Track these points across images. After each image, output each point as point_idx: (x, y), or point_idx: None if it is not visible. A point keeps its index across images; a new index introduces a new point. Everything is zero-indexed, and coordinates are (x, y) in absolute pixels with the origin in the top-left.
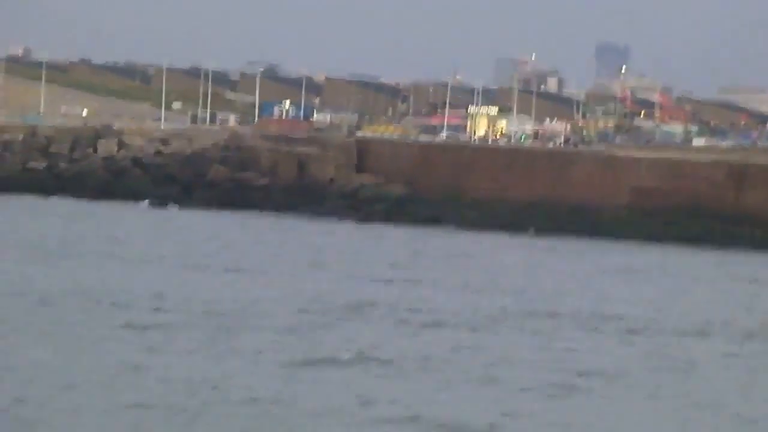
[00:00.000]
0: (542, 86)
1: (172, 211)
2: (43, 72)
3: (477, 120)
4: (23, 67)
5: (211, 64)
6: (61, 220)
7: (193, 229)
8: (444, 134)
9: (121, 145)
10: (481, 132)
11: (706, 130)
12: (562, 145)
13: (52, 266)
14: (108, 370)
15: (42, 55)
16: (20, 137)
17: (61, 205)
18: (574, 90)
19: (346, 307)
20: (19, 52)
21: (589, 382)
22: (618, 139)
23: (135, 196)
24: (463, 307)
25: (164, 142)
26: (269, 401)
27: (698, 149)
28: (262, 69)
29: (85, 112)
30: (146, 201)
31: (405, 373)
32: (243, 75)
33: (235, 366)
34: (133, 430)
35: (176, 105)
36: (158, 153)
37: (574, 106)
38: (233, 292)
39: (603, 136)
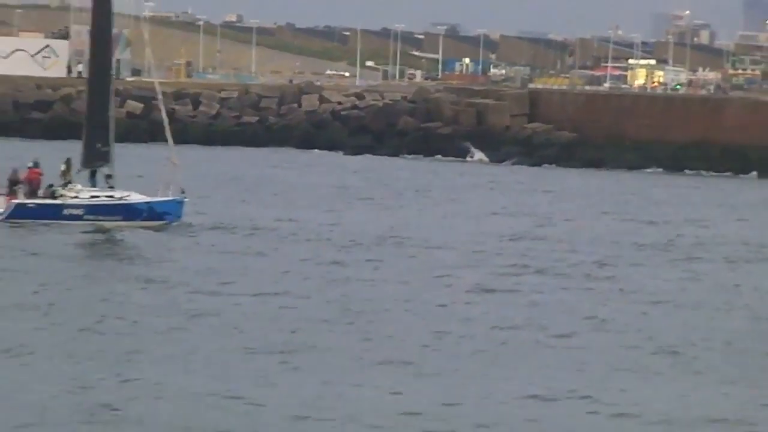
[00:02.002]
0: (695, 39)
1: (368, 158)
2: (254, 36)
3: (636, 71)
4: (236, 32)
5: (399, 26)
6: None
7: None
8: (607, 84)
9: (321, 100)
10: (640, 81)
11: None
12: (713, 91)
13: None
14: None
15: (252, 20)
16: (235, 95)
17: (278, 154)
18: (724, 42)
19: None
20: (233, 18)
21: None
22: (765, 86)
23: (334, 145)
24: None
25: (359, 96)
26: None
27: None
28: (444, 29)
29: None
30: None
31: None
32: (427, 35)
33: None
34: None
35: (369, 63)
36: (354, 107)
37: (724, 57)
38: None
39: (751, 83)
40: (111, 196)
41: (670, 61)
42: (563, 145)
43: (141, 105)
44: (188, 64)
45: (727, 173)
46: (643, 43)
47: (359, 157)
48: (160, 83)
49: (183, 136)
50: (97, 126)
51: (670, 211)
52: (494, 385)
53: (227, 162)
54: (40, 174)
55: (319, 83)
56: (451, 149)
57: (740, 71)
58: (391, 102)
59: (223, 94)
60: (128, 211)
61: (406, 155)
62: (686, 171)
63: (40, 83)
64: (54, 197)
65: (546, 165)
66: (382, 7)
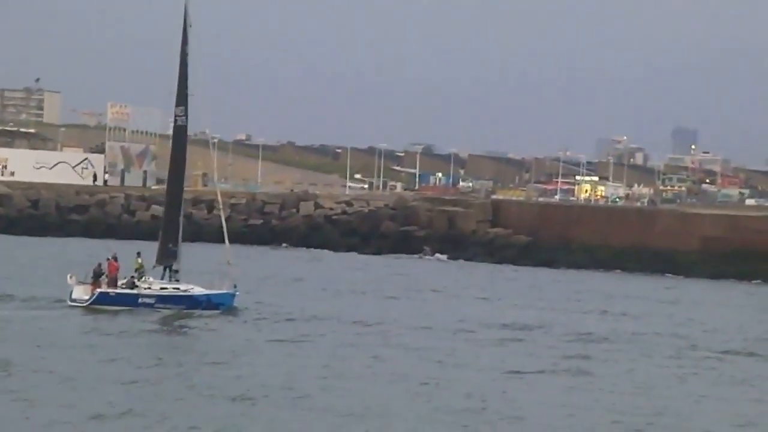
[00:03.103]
0: (631, 160)
1: (354, 255)
2: (260, 152)
3: (582, 185)
4: (246, 147)
5: (383, 145)
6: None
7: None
8: (557, 196)
9: (316, 206)
10: (585, 194)
11: (756, 192)
12: (646, 204)
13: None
14: None
15: (259, 139)
16: (244, 201)
17: (292, 254)
18: (656, 162)
19: None
20: (243, 137)
21: None
22: (689, 200)
23: (326, 244)
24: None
25: (348, 204)
26: None
27: (750, 207)
28: (421, 148)
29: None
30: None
31: None
32: (407, 153)
33: None
34: None
35: (357, 176)
36: (344, 212)
37: (656, 175)
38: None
39: (677, 198)
40: (177, 288)
41: (611, 178)
42: (520, 247)
43: (163, 209)
44: (204, 175)
45: (657, 274)
46: (588, 163)
47: (348, 254)
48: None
49: (199, 236)
50: (170, 230)
51: (617, 306)
52: None
53: (246, 258)
54: (117, 268)
55: (314, 192)
56: (420, 249)
57: (669, 187)
58: (375, 209)
59: (233, 201)
60: (191, 302)
61: (387, 254)
62: (623, 270)
63: (79, 190)
64: (133, 287)
65: (505, 263)
66: (369, 129)
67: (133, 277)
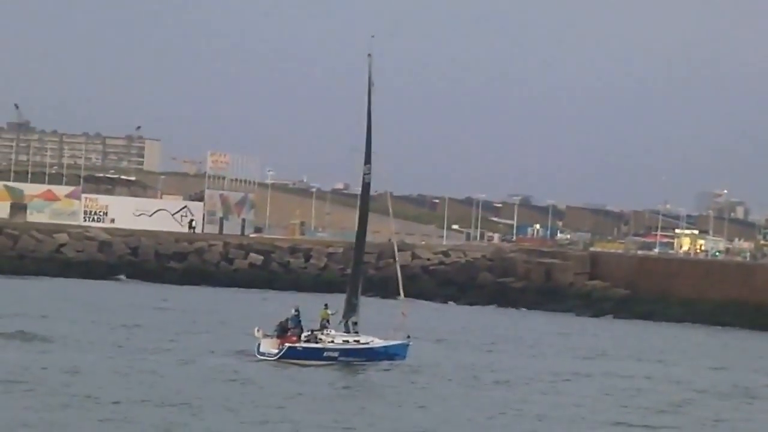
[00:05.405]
0: (732, 213)
1: (452, 306)
2: (358, 201)
3: (682, 239)
4: (343, 197)
5: (481, 196)
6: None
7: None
8: (656, 249)
9: (413, 256)
10: (685, 248)
11: None
12: (747, 258)
13: None
14: None
15: (357, 188)
16: (341, 250)
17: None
18: (757, 216)
19: None
20: (341, 186)
21: None
22: None
23: (423, 295)
24: None
25: (445, 254)
26: None
27: None
28: (519, 199)
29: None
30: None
31: None
32: (504, 204)
33: None
34: None
35: (455, 226)
36: (441, 263)
37: (757, 229)
38: None
39: None
40: (357, 341)
41: (711, 232)
42: (618, 300)
43: (261, 257)
44: (302, 223)
45: (758, 329)
46: (688, 216)
47: (445, 305)
48: (278, 239)
49: (297, 285)
50: (355, 284)
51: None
52: None
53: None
54: (296, 338)
55: (411, 242)
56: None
57: None
58: (472, 259)
59: (330, 250)
60: (371, 354)
61: (483, 305)
62: (722, 326)
63: (178, 237)
64: (316, 341)
65: (603, 316)
66: (467, 179)
67: (313, 331)
